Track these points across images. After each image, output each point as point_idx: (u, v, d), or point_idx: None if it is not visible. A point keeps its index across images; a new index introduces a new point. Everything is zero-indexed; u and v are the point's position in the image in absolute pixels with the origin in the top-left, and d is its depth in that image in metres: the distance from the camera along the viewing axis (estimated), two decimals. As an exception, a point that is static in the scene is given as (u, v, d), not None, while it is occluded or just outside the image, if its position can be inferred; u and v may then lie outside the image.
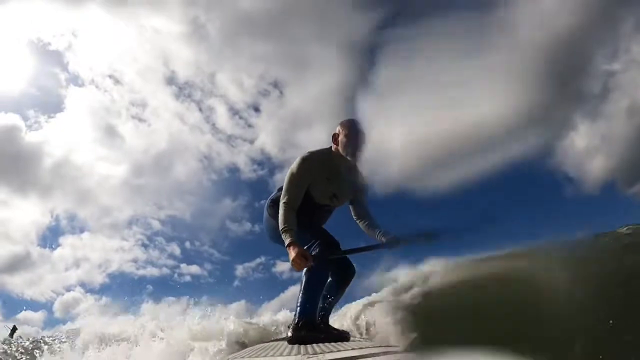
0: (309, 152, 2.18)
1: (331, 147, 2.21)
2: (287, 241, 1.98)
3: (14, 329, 5.77)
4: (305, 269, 2.02)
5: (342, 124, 2.18)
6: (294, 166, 2.13)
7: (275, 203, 2.25)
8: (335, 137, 2.19)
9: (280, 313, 5.02)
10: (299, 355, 1.55)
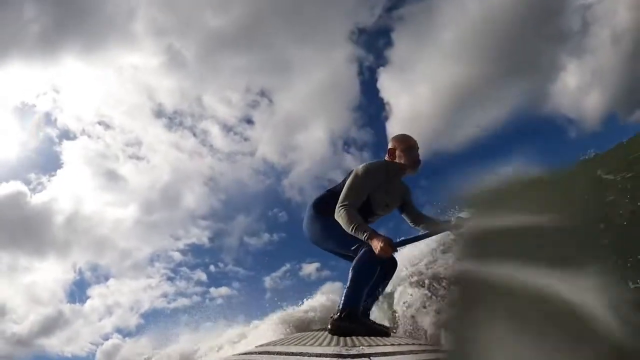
0: (369, 163, 2.28)
1: (385, 160, 2.34)
2: (366, 234, 2.03)
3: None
4: (354, 262, 2.07)
5: (398, 139, 2.34)
6: (358, 173, 2.21)
7: (322, 202, 2.31)
8: (392, 152, 2.33)
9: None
10: (338, 346, 1.54)
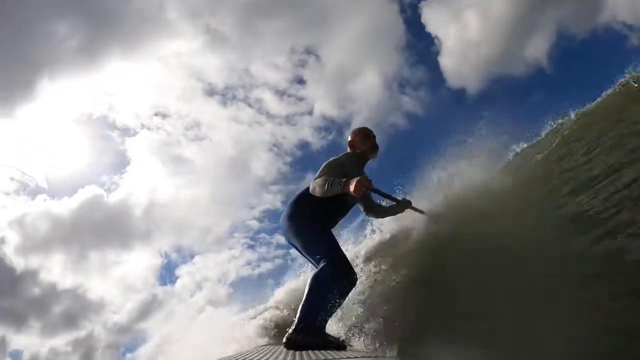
0: (336, 156, 2.41)
1: (348, 152, 2.50)
2: (341, 182, 2.08)
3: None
4: (313, 275, 2.09)
5: (354, 132, 2.54)
6: (330, 164, 2.35)
7: (302, 200, 2.37)
8: (351, 143, 2.51)
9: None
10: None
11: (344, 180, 2.08)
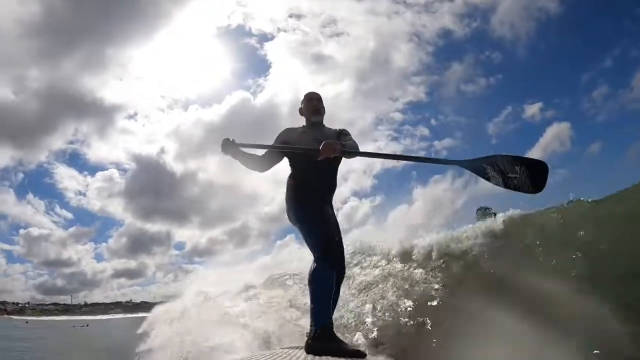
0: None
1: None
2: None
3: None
4: (309, 276, 2.13)
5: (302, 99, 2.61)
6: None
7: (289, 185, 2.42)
8: (300, 110, 2.58)
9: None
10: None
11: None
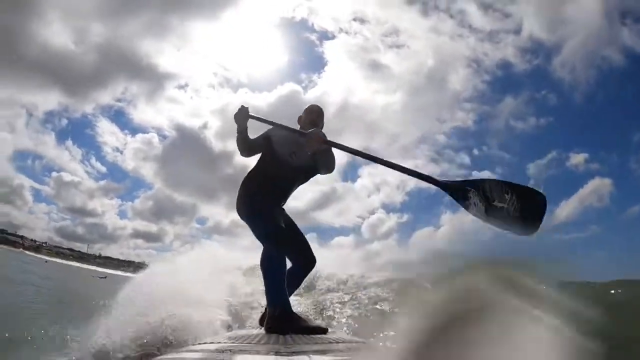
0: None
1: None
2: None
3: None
4: (261, 258, 2.15)
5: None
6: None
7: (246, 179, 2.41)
8: (299, 118, 2.57)
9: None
10: (277, 345, 1.55)
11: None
